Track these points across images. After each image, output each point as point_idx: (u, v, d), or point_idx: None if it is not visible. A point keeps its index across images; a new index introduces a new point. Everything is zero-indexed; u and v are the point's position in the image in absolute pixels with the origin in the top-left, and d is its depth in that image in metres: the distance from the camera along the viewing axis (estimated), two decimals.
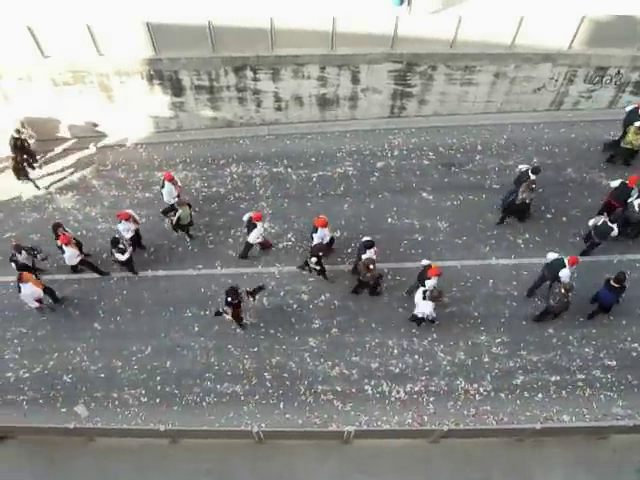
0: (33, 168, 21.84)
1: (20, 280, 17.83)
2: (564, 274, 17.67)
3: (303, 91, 21.75)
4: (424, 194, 21.23)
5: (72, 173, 22.17)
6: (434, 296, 17.22)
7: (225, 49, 20.22)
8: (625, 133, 20.22)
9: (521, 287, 19.39)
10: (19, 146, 20.91)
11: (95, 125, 22.34)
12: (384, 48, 20.38)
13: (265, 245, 20.15)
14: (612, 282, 17.57)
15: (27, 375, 18.69)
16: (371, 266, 17.71)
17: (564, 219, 20.48)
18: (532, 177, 19.10)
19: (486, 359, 18.53)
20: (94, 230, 20.88)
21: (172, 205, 19.78)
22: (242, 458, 17.21)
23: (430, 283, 17.55)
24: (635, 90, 21.89)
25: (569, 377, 18.21)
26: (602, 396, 17.96)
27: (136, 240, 19.78)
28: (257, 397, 18.22)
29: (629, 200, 18.88)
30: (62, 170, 22.12)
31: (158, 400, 18.24)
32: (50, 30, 19.43)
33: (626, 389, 18.00)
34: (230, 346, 18.89)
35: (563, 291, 17.22)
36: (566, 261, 17.70)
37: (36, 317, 19.38)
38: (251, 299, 17.97)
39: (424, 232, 20.33)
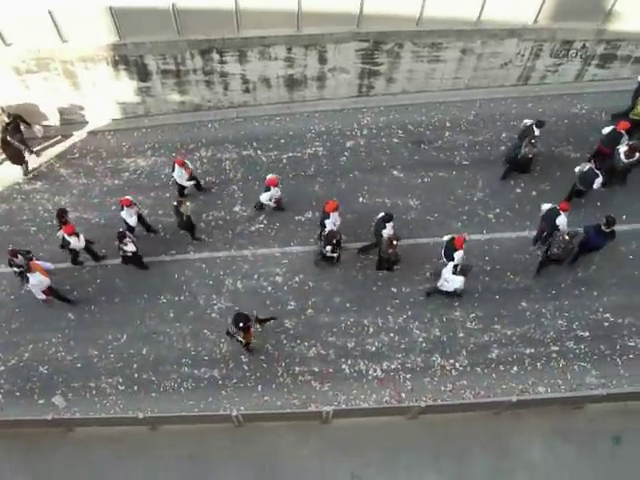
0: (31, 152, 21.60)
1: (28, 270, 17.60)
2: (561, 221, 17.95)
3: (270, 72, 21.61)
4: (394, 172, 21.26)
5: (40, 162, 21.88)
6: (465, 271, 17.38)
7: (190, 32, 20.01)
8: (635, 105, 20.27)
9: (493, 262, 19.53)
10: (12, 129, 20.73)
11: (62, 113, 22.03)
12: (350, 27, 20.29)
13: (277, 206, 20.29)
14: (603, 227, 17.78)
15: (2, 368, 18.57)
16: (395, 242, 17.76)
17: (534, 193, 20.59)
18: (536, 131, 19.33)
19: (461, 334, 18.68)
20: None
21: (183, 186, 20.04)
22: (222, 442, 17.29)
23: (459, 255, 17.64)
24: (601, 63, 22.02)
25: (543, 349, 18.43)
26: (576, 367, 18.20)
27: (144, 225, 19.89)
28: (235, 381, 18.25)
29: (617, 147, 19.09)
30: (29, 159, 21.78)
31: (136, 388, 18.20)
32: (11, 17, 19.03)
33: (599, 359, 18.25)
34: (206, 331, 18.88)
35: (567, 238, 17.54)
36: (559, 209, 18.05)
37: (9, 309, 19.28)
38: (258, 326, 17.56)
39: (396, 210, 20.27)
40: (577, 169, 19.19)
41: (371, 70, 21.86)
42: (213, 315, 19.08)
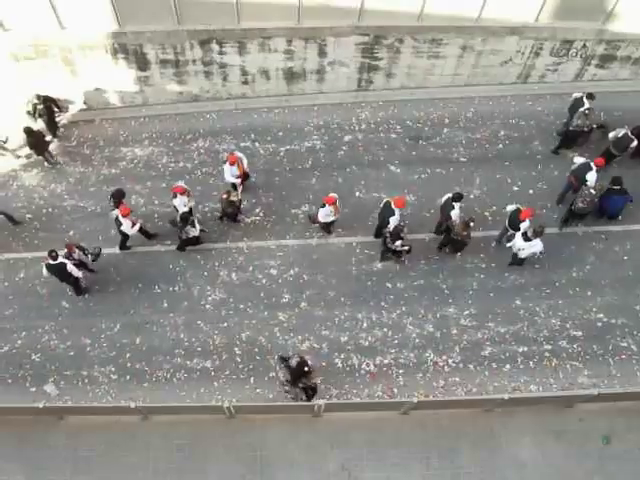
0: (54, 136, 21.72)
1: (55, 258, 17.52)
2: (591, 177, 18.36)
3: (270, 65, 21.58)
4: (392, 167, 21.26)
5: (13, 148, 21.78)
6: (539, 232, 17.61)
7: (190, 22, 19.97)
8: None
9: (488, 259, 19.56)
10: (43, 113, 20.78)
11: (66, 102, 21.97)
12: (351, 21, 20.26)
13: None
14: (612, 186, 18.32)
15: None
16: (472, 224, 18.04)
17: (531, 192, 20.63)
18: (587, 103, 19.57)
19: (454, 331, 18.70)
20: (60, 207, 20.65)
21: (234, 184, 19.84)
22: (214, 433, 17.25)
23: (525, 225, 17.91)
24: (601, 63, 22.06)
25: (536, 348, 18.45)
26: (568, 366, 18.22)
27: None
28: (227, 372, 18.22)
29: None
30: (26, 147, 21.69)
31: (128, 377, 18.16)
32: (10, 3, 19.01)
33: (591, 359, 18.29)
34: (199, 322, 18.86)
35: (593, 192, 18.09)
36: (592, 164, 18.44)
37: (2, 296, 19.24)
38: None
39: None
40: (611, 134, 19.70)
41: (371, 65, 21.83)
42: (207, 306, 19.07)
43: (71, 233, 20.04)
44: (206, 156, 21.67)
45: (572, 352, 18.39)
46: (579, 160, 19.09)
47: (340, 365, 18.28)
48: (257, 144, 21.92)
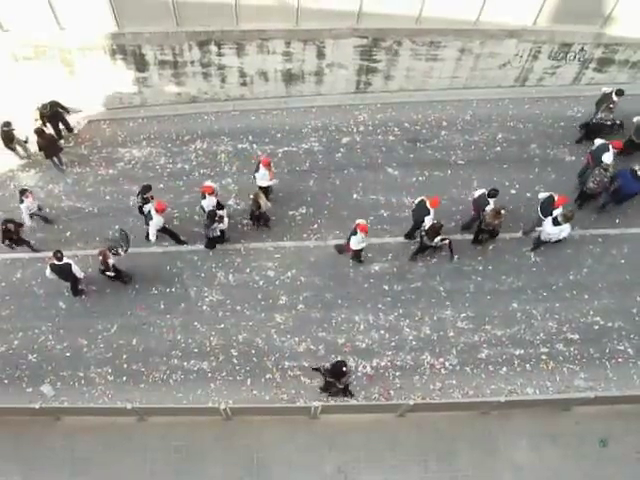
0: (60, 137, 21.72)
1: (60, 259, 17.49)
2: (607, 157, 18.69)
3: (268, 66, 21.56)
4: (390, 170, 21.26)
5: (34, 150, 21.72)
6: (569, 217, 17.84)
7: (189, 23, 19.94)
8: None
9: (485, 262, 19.58)
10: (51, 116, 20.79)
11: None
12: (350, 23, 20.24)
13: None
14: (635, 169, 18.62)
15: None
16: (503, 211, 18.19)
17: (528, 194, 20.61)
18: (615, 98, 19.87)
19: (451, 334, 18.72)
20: (57, 208, 20.61)
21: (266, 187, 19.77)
22: (210, 435, 17.28)
23: (558, 211, 18.10)
24: (599, 67, 22.05)
25: (533, 351, 18.48)
26: (565, 369, 18.26)
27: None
28: (224, 374, 18.24)
29: None
30: (24, 147, 21.66)
31: (125, 378, 18.18)
32: (9, 3, 18.98)
33: (588, 362, 18.32)
34: (196, 323, 18.86)
35: (603, 171, 18.47)
36: (610, 146, 18.84)
37: None
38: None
39: (390, 208, 20.40)
40: (635, 119, 19.99)
41: (369, 67, 21.83)
42: (204, 308, 19.07)
43: (68, 234, 20.03)
44: (204, 157, 21.64)
45: (569, 355, 18.42)
46: (598, 142, 19.38)
47: None
48: (255, 146, 21.90)
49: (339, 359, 16.65)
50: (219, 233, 18.89)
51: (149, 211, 18.48)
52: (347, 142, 21.92)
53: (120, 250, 18.45)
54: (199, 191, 19.27)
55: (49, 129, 20.99)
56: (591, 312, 18.96)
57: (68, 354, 18.47)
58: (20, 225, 18.77)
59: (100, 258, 17.92)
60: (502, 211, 18.20)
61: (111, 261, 18.08)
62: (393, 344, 18.58)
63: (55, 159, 21.08)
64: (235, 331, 18.74)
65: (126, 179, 21.08)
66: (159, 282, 19.44)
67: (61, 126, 21.59)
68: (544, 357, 18.41)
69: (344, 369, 16.00)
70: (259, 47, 20.69)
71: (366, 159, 21.49)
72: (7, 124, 20.19)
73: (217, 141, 22.01)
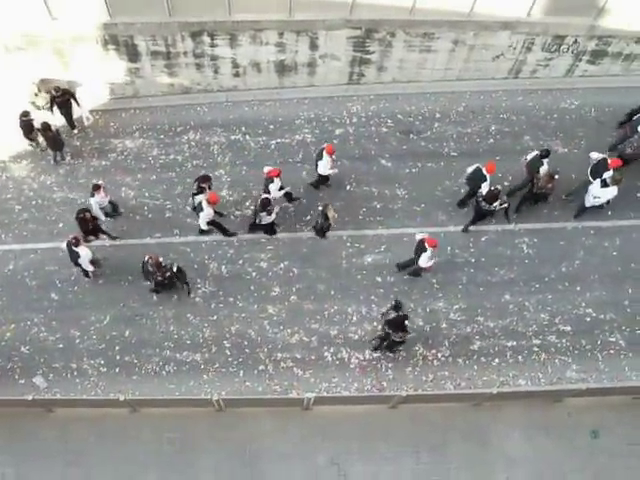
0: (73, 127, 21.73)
1: (76, 245, 17.41)
2: None
3: (261, 57, 21.47)
4: (383, 161, 21.22)
5: (26, 141, 21.57)
6: (618, 180, 18.21)
7: (182, 14, 19.82)
8: None
9: (478, 254, 19.62)
10: (60, 104, 20.66)
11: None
12: (343, 14, 20.15)
13: None
14: None
15: None
16: (556, 176, 18.40)
17: None
18: None
19: (444, 325, 18.77)
20: (49, 199, 20.53)
21: (326, 176, 19.84)
22: (203, 426, 17.35)
23: (609, 174, 18.40)
24: (592, 59, 22.03)
25: (525, 342, 18.56)
26: (557, 360, 18.35)
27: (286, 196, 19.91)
28: (217, 365, 18.26)
29: None
30: (15, 138, 21.55)
31: (117, 370, 18.19)
32: None
33: (580, 353, 18.42)
34: (189, 315, 18.86)
35: None
36: None
37: None
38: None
39: (383, 199, 20.39)
40: None
41: (362, 58, 21.77)
42: (197, 299, 19.06)
43: (61, 225, 19.96)
44: (197, 149, 21.56)
45: (561, 347, 18.51)
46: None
47: (330, 358, 18.37)
48: (248, 137, 21.82)
49: (402, 313, 16.81)
50: (261, 222, 18.88)
51: (200, 202, 18.40)
52: (340, 133, 21.88)
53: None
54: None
55: (54, 115, 20.94)
56: (583, 304, 19.04)
57: (61, 345, 18.44)
58: (95, 217, 18.68)
59: (152, 261, 17.69)
60: (556, 175, 18.48)
61: (161, 259, 17.91)
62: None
63: (58, 153, 21.02)
64: (228, 322, 18.75)
65: (118, 170, 21.00)
66: None
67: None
68: (536, 349, 18.49)
69: (406, 322, 16.35)
70: (252, 38, 20.60)
71: (359, 150, 21.44)
72: (26, 114, 20.14)
73: (210, 132, 21.93)
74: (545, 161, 18.70)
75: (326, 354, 18.42)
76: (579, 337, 18.62)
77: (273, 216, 18.78)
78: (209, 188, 18.69)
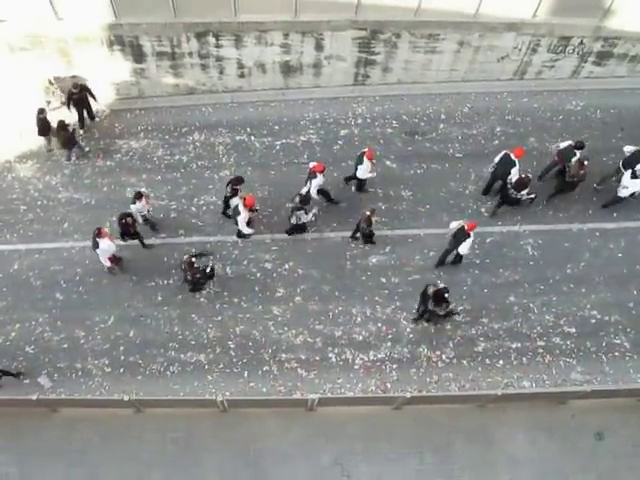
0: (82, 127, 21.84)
1: (98, 235, 17.46)
2: None
3: (266, 58, 21.50)
4: (388, 162, 21.21)
5: (32, 141, 21.67)
6: None
7: (187, 15, 19.86)
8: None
9: (483, 255, 19.58)
10: (79, 103, 20.85)
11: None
12: (348, 15, 20.18)
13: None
14: None
15: None
16: (586, 162, 18.61)
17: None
18: None
19: (448, 327, 18.72)
20: (55, 199, 20.57)
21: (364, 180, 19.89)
22: (207, 427, 17.33)
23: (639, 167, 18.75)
24: (597, 60, 22.02)
25: (529, 344, 18.51)
26: (561, 362, 18.30)
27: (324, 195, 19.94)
28: (221, 366, 18.25)
29: None
30: (21, 138, 21.60)
31: (122, 370, 18.18)
32: None
33: (585, 355, 18.36)
34: (194, 315, 18.86)
35: None
36: None
37: None
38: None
39: (387, 200, 20.38)
40: None
41: (367, 59, 21.78)
42: (201, 300, 19.06)
43: (66, 225, 20.01)
44: (202, 149, 21.59)
45: (565, 349, 18.46)
46: None
47: (334, 359, 18.34)
48: (253, 137, 21.86)
49: (442, 286, 17.03)
50: (299, 221, 18.89)
51: (236, 206, 18.41)
52: (345, 134, 21.89)
53: (194, 250, 18.65)
54: (311, 170, 19.01)
55: (72, 112, 21.07)
56: (588, 306, 18.99)
57: (65, 346, 18.45)
58: (135, 220, 18.64)
59: (186, 266, 17.78)
60: (586, 162, 18.64)
61: (195, 263, 17.92)
62: (390, 337, 18.60)
63: (71, 151, 21.09)
64: (232, 323, 18.74)
65: (123, 171, 21.04)
66: (156, 274, 19.40)
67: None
68: (541, 350, 18.44)
69: (446, 295, 16.65)
70: (257, 39, 20.63)
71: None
72: (42, 111, 20.22)
73: (215, 133, 21.96)
74: (578, 152, 18.92)
75: (330, 355, 18.40)
76: (584, 339, 18.57)
77: (310, 216, 18.83)
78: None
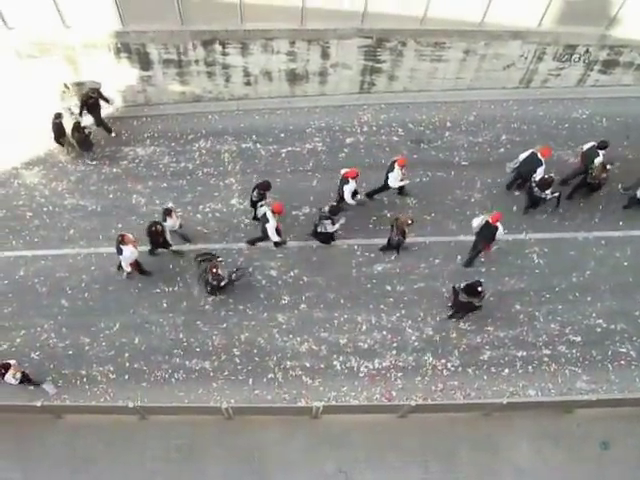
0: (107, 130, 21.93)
1: (122, 242, 17.49)
2: None
3: (272, 66, 21.55)
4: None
5: (38, 148, 21.76)
6: None
7: (194, 22, 19.94)
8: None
9: (488, 264, 19.54)
10: (91, 104, 20.88)
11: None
12: (354, 23, 20.22)
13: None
14: None
15: None
16: (609, 166, 18.73)
17: None
18: None
19: (454, 335, 18.69)
20: (61, 205, 20.62)
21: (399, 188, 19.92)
22: (211, 434, 17.32)
23: None
24: (603, 69, 22.02)
25: (535, 352, 18.45)
26: (567, 371, 18.23)
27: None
28: (226, 373, 18.23)
29: None
30: (28, 144, 21.67)
31: (127, 377, 18.17)
32: (14, 0, 18.96)
33: (590, 364, 18.29)
34: (199, 322, 18.85)
35: None
36: None
37: (1, 294, 19.26)
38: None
39: (393, 208, 20.37)
40: None
41: (373, 67, 21.82)
42: (206, 307, 19.06)
43: (71, 232, 20.05)
44: (207, 157, 21.62)
45: (571, 357, 18.39)
46: None
47: (339, 367, 18.30)
48: (258, 145, 21.89)
49: (475, 279, 17.20)
50: (325, 230, 18.87)
51: (264, 214, 18.37)
52: (351, 142, 21.91)
53: (235, 269, 18.71)
54: (340, 174, 19.14)
55: (84, 118, 21.16)
56: (594, 314, 18.93)
57: (70, 352, 18.46)
58: (164, 229, 18.51)
59: (212, 272, 17.84)
60: (609, 166, 18.71)
61: (221, 271, 17.95)
62: (395, 345, 18.57)
63: (88, 151, 21.27)
64: (237, 330, 18.74)
65: (129, 178, 21.09)
66: (162, 281, 19.42)
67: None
68: (546, 359, 18.38)
69: (479, 289, 16.73)
70: (263, 47, 20.69)
71: (370, 159, 21.43)
72: (59, 115, 20.32)
73: (221, 140, 22.00)
74: (601, 152, 18.88)
75: (335, 363, 18.36)
76: (589, 348, 18.50)
77: (337, 227, 18.84)
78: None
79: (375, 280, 19.39)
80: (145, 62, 21.02)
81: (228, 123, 22.44)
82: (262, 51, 20.85)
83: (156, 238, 18.43)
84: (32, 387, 17.65)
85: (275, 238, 18.71)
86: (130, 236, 17.88)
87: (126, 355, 18.44)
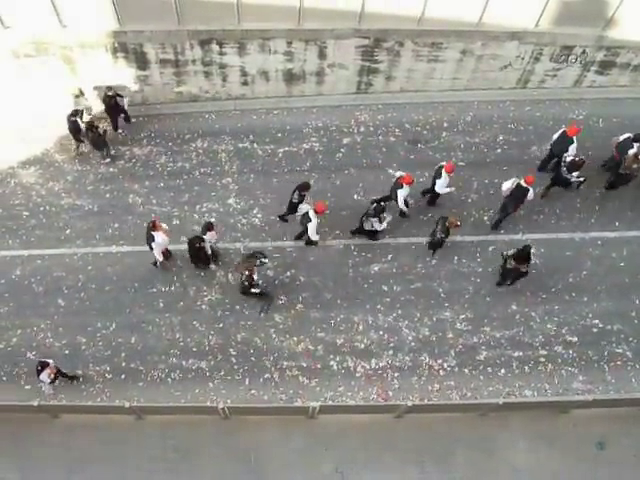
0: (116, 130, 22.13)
1: (153, 229, 17.56)
2: None
3: (269, 66, 21.57)
4: (390, 171, 21.15)
5: (35, 147, 21.77)
6: None
7: (191, 22, 19.95)
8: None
9: (485, 264, 19.56)
10: (111, 104, 21.07)
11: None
12: (351, 23, 20.24)
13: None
14: None
15: None
16: None
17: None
18: None
19: (450, 335, 18.70)
20: (57, 205, 20.62)
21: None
22: (208, 434, 17.30)
23: None
24: (600, 70, 22.06)
25: (531, 353, 18.46)
26: (563, 371, 18.24)
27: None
28: (222, 373, 18.22)
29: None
30: (25, 144, 21.67)
31: (123, 376, 18.16)
32: (11, 0, 18.95)
33: (587, 364, 18.30)
34: (195, 322, 18.85)
35: None
36: None
37: None
38: None
39: (390, 209, 20.32)
40: None
41: (370, 67, 21.84)
42: (203, 307, 19.05)
43: (68, 231, 20.05)
44: (204, 157, 21.63)
45: (567, 358, 18.40)
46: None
47: (335, 367, 18.30)
48: (255, 145, 21.90)
49: (526, 244, 17.43)
50: (372, 228, 19.00)
51: (306, 212, 18.38)
52: (348, 142, 21.92)
53: (263, 258, 18.34)
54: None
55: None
56: (590, 315, 18.94)
57: (67, 352, 18.45)
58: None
59: (245, 274, 17.71)
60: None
61: (256, 276, 17.83)
62: (392, 345, 18.57)
63: (105, 150, 21.28)
64: (234, 330, 18.73)
65: (126, 177, 21.08)
66: (158, 281, 19.41)
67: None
68: (542, 359, 18.39)
69: (532, 252, 17.47)
70: (261, 46, 20.70)
71: (367, 160, 21.48)
72: (75, 113, 20.39)
73: (218, 140, 22.01)
74: (636, 145, 18.99)
75: (332, 363, 18.36)
76: (586, 348, 18.52)
77: (384, 225, 18.93)
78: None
79: (372, 280, 19.40)
80: (142, 62, 21.02)
81: (225, 123, 22.45)
82: (259, 51, 20.86)
83: (199, 253, 18.41)
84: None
85: (315, 237, 18.84)
86: (160, 223, 17.91)
87: (122, 355, 18.42)
